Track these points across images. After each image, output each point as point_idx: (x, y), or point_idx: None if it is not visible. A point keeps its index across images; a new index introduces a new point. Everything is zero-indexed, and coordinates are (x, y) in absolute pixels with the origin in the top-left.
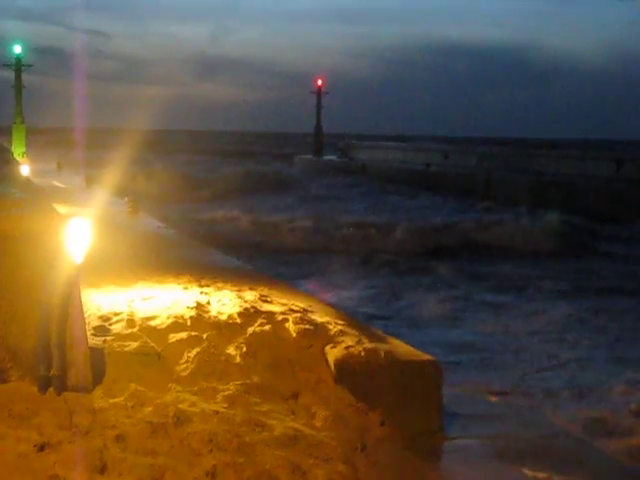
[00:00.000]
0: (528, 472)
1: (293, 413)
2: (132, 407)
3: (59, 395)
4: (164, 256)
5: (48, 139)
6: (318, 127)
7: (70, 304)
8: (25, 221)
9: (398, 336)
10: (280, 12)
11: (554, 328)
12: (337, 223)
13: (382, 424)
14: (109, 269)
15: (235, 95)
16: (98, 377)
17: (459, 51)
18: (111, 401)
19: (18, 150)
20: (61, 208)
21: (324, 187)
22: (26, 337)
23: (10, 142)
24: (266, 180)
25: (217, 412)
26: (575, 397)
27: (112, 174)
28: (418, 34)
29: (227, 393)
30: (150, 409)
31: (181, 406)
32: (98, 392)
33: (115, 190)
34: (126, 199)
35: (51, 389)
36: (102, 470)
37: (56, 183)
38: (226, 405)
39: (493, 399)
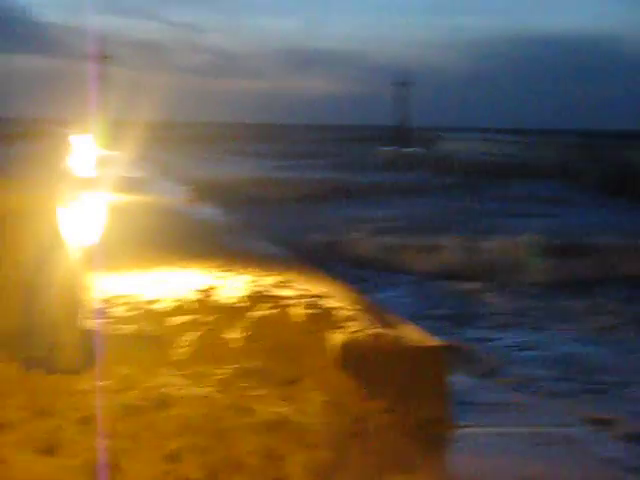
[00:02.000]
0: (539, 464)
1: (287, 399)
2: (118, 390)
3: (45, 377)
4: (207, 242)
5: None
6: (402, 119)
7: (59, 285)
8: (10, 202)
9: None
10: (371, 4)
11: None
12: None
13: (386, 411)
14: (137, 253)
15: (326, 88)
16: (91, 360)
17: (548, 42)
18: (98, 384)
19: (101, 141)
20: (127, 196)
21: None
22: (9, 318)
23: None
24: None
25: (205, 396)
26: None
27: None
28: (506, 25)
29: (220, 377)
30: (135, 392)
31: (167, 390)
32: (87, 375)
33: (185, 179)
34: (188, 188)
35: (36, 370)
36: (50, 451)
37: (131, 173)
38: (216, 389)
39: (509, 388)
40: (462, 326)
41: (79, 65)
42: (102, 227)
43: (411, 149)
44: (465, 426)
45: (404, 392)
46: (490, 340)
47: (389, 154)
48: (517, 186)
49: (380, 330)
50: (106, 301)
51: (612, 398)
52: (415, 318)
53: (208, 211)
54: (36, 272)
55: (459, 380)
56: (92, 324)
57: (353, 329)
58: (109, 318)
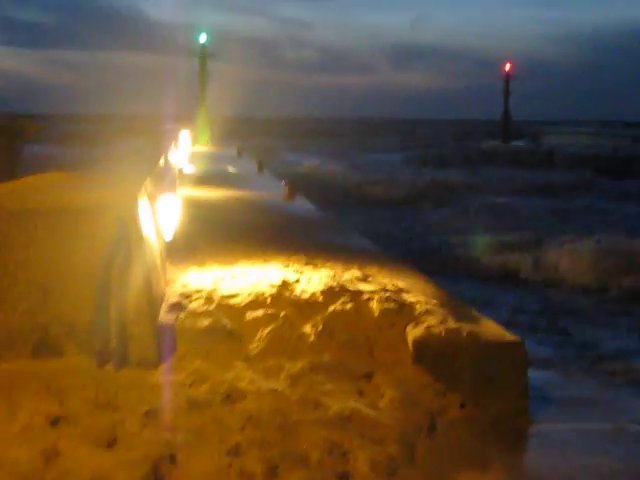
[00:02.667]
0: (617, 461)
1: (360, 393)
2: (190, 384)
3: (117, 371)
4: (294, 236)
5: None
6: (506, 113)
7: (135, 279)
8: (82, 196)
9: None
10: None
11: None
12: None
13: (462, 406)
14: (222, 247)
15: (430, 82)
16: (166, 354)
17: None
18: (171, 378)
19: (203, 137)
20: (227, 191)
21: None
22: (81, 311)
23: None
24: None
25: (275, 390)
26: None
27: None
28: (612, 18)
29: (292, 371)
30: (207, 386)
31: (238, 384)
32: (162, 369)
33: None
34: (283, 183)
35: (110, 365)
36: (109, 445)
37: (230, 169)
38: (287, 383)
39: (589, 384)
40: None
41: (187, 62)
42: (187, 222)
43: (519, 143)
44: (542, 422)
45: (479, 387)
46: None
47: (493, 148)
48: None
49: (456, 325)
50: (183, 295)
51: None
52: None
53: (302, 207)
54: (110, 265)
55: (538, 375)
56: (168, 318)
57: (429, 324)
58: (186, 312)
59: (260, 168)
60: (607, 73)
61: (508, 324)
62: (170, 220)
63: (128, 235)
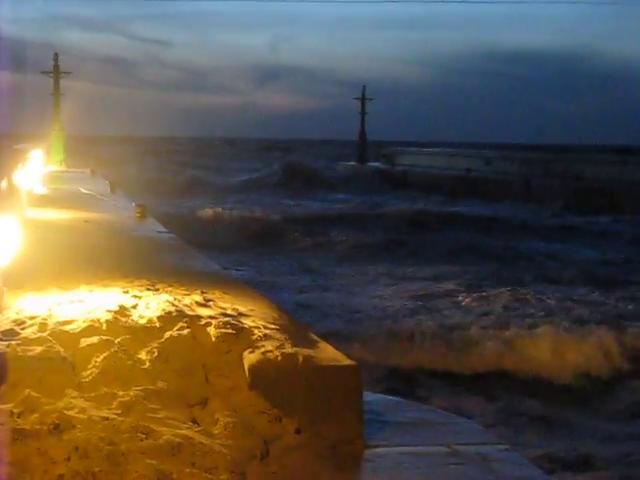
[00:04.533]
0: None
1: (194, 421)
2: (19, 414)
3: None
4: (141, 260)
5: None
6: (362, 133)
7: None
8: None
9: None
10: (340, 19)
11: None
12: None
13: (297, 432)
14: (62, 272)
15: (293, 103)
16: None
17: (518, 58)
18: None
19: (56, 157)
20: (77, 213)
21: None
22: None
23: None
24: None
25: (106, 418)
26: None
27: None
28: (477, 41)
29: (125, 399)
30: (36, 416)
31: (68, 413)
32: None
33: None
34: (134, 204)
35: None
36: None
37: (82, 189)
38: (119, 412)
39: (425, 406)
40: None
41: (41, 80)
42: (27, 245)
43: (375, 164)
44: (377, 446)
45: (315, 412)
46: None
47: (349, 169)
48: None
49: (292, 349)
50: (17, 321)
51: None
52: None
53: (151, 228)
54: None
55: (374, 399)
56: None
57: (266, 349)
58: (17, 339)
59: (113, 189)
60: (463, 95)
61: None
62: (7, 244)
63: None
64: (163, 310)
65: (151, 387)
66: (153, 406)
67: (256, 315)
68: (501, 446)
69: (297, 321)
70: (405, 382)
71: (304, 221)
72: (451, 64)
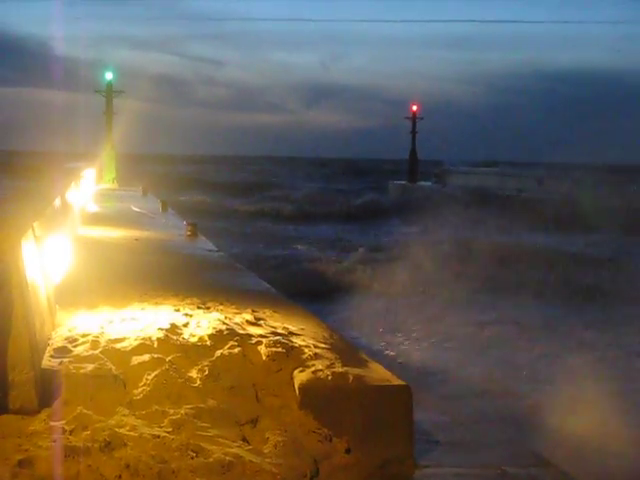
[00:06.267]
0: None
1: (244, 439)
2: (70, 431)
3: None
4: (191, 278)
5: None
6: (412, 152)
7: (10, 325)
8: None
9: None
10: (388, 38)
11: None
12: None
13: (347, 451)
14: (113, 290)
15: (342, 122)
16: (48, 399)
17: (568, 77)
18: (52, 424)
19: (108, 176)
20: (128, 231)
21: None
22: None
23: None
24: None
25: (157, 436)
26: None
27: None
28: (525, 60)
29: (176, 417)
30: (88, 433)
31: (120, 430)
32: (43, 415)
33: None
34: (185, 223)
35: None
36: None
37: (134, 208)
38: (170, 429)
39: (476, 427)
40: None
41: (94, 99)
42: (79, 263)
43: (426, 183)
44: (426, 466)
45: (365, 432)
46: None
47: (399, 188)
48: None
49: (343, 369)
50: (69, 339)
51: None
52: None
53: (202, 247)
54: None
55: (423, 418)
56: (52, 363)
57: (316, 368)
58: (70, 356)
59: (164, 207)
60: (514, 114)
61: None
62: (60, 262)
63: (8, 280)
64: (214, 328)
65: (202, 405)
66: (203, 424)
67: (306, 334)
68: (552, 468)
69: (348, 340)
70: None
71: None
72: (500, 83)
